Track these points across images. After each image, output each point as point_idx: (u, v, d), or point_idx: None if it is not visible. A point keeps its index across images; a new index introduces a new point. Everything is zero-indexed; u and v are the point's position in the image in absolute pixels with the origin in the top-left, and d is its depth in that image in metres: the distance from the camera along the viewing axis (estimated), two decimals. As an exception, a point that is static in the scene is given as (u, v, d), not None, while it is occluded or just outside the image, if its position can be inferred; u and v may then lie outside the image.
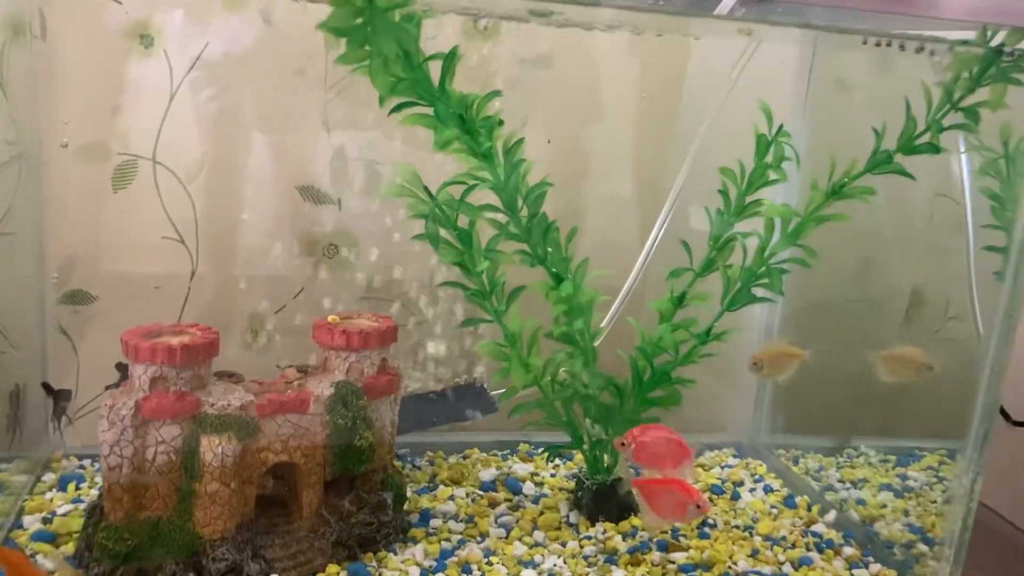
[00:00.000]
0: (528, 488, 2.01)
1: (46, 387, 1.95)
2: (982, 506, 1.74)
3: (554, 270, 1.76)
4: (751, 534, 1.88)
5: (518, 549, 1.75)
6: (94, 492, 1.83)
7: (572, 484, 1.99)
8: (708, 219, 1.85)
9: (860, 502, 2.04)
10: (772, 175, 1.80)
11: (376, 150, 2.03)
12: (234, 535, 1.53)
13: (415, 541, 1.75)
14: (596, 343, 1.85)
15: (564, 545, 1.78)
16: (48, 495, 1.82)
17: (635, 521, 1.87)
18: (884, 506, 2.02)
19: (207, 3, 1.91)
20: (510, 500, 1.95)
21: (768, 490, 2.12)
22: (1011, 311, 1.63)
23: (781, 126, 1.78)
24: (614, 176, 2.26)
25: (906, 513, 2.00)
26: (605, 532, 1.84)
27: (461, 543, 1.76)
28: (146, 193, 1.96)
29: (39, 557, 1.58)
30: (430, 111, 1.56)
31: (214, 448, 1.50)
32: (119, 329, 1.54)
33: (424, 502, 1.90)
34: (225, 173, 2.00)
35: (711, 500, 2.01)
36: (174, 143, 1.95)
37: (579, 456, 2.13)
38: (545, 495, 1.98)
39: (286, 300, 2.07)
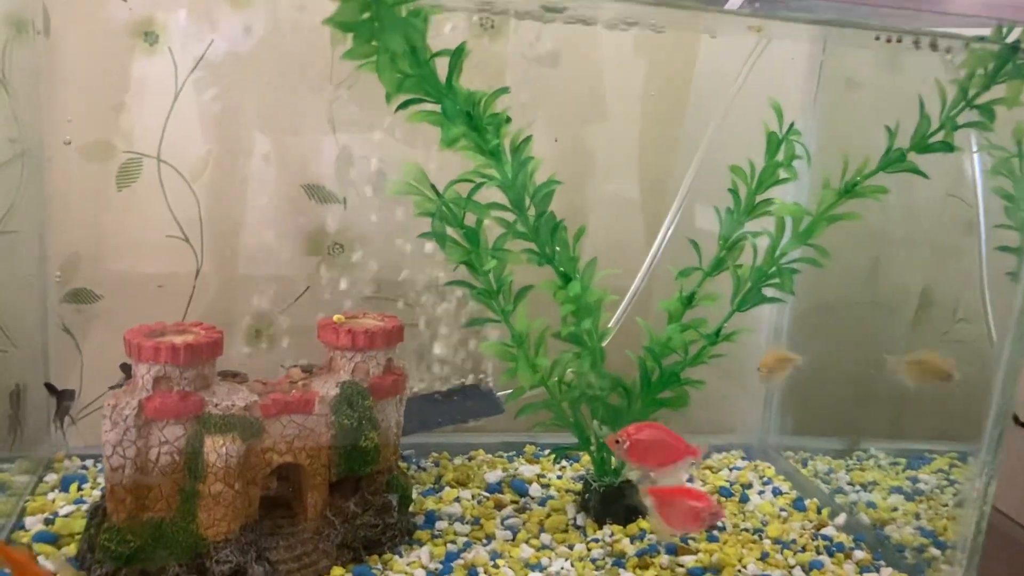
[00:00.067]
0: (534, 490, 1.99)
1: (49, 387, 1.93)
2: (992, 509, 1.71)
3: (562, 269, 1.74)
4: (760, 537, 1.86)
5: (525, 552, 1.73)
6: (96, 493, 1.81)
7: (579, 486, 1.97)
8: (718, 218, 1.83)
9: (870, 505, 2.02)
10: (783, 174, 1.78)
11: (382, 148, 2.01)
12: (238, 537, 1.52)
13: (420, 543, 1.73)
14: (604, 343, 1.83)
15: (571, 548, 1.76)
16: (50, 496, 1.81)
17: (643, 524, 1.85)
18: (895, 509, 2.00)
19: (212, 0, 1.90)
20: (516, 502, 1.93)
21: (777, 492, 2.10)
22: (1026, 312, 1.61)
23: (792, 124, 1.76)
24: (621, 175, 2.24)
25: (917, 516, 1.98)
26: (613, 535, 1.82)
27: (467, 545, 1.74)
28: (150, 191, 1.94)
29: (40, 559, 1.56)
30: (437, 108, 1.54)
31: (218, 449, 1.48)
32: (123, 328, 1.53)
33: (429, 504, 1.88)
34: (230, 171, 1.98)
35: (719, 502, 1.99)
36: (178, 141, 1.93)
37: (586, 458, 2.11)
38: (552, 497, 1.96)
39: (291, 299, 2.05)
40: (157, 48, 1.89)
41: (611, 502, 1.86)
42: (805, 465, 2.25)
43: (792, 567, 1.76)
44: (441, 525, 1.80)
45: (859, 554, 1.83)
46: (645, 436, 1.62)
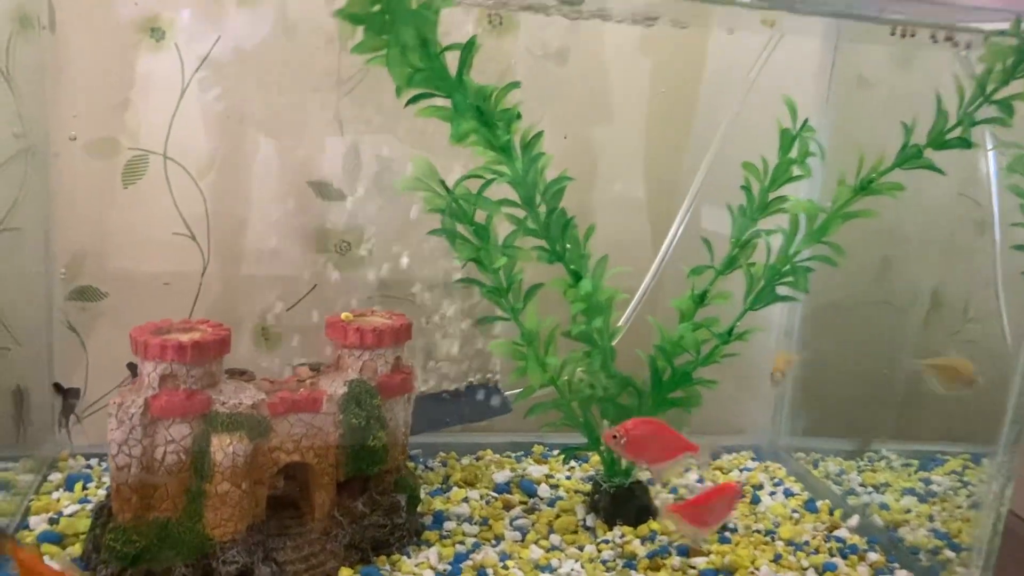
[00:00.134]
0: (543, 490, 1.97)
1: (57, 387, 1.92)
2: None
3: (572, 267, 1.72)
4: (773, 539, 1.84)
5: (534, 553, 1.71)
6: (101, 492, 1.79)
7: (588, 487, 1.95)
8: (730, 216, 1.80)
9: (883, 507, 2.00)
10: (796, 171, 1.76)
11: (390, 145, 1.99)
12: (245, 537, 1.50)
13: (429, 544, 1.71)
14: (614, 342, 1.81)
15: (581, 549, 1.74)
16: (54, 495, 1.79)
17: (654, 525, 1.83)
18: (908, 511, 1.98)
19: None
20: (525, 502, 1.91)
21: (788, 494, 2.07)
22: (1043, 311, 1.59)
23: (806, 121, 1.74)
24: (630, 173, 2.21)
25: (931, 518, 1.96)
26: (623, 536, 1.79)
27: (476, 546, 1.72)
28: (156, 188, 1.93)
29: (45, 559, 1.54)
30: (447, 103, 1.52)
31: (225, 448, 1.46)
32: (128, 326, 1.51)
33: (437, 504, 1.86)
34: (237, 168, 1.97)
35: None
36: (185, 138, 1.92)
37: (595, 458, 2.09)
38: (561, 498, 1.94)
39: (298, 297, 2.03)
40: (163, 44, 1.87)
41: (622, 503, 1.84)
42: (816, 466, 2.22)
43: (805, 569, 1.74)
44: (449, 526, 1.78)
45: (873, 556, 1.81)
46: (642, 431, 1.62)
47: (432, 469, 2.04)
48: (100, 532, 1.49)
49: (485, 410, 2.07)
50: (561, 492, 1.97)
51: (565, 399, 1.82)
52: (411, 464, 1.98)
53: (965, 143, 1.63)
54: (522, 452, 2.18)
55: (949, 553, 1.81)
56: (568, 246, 1.71)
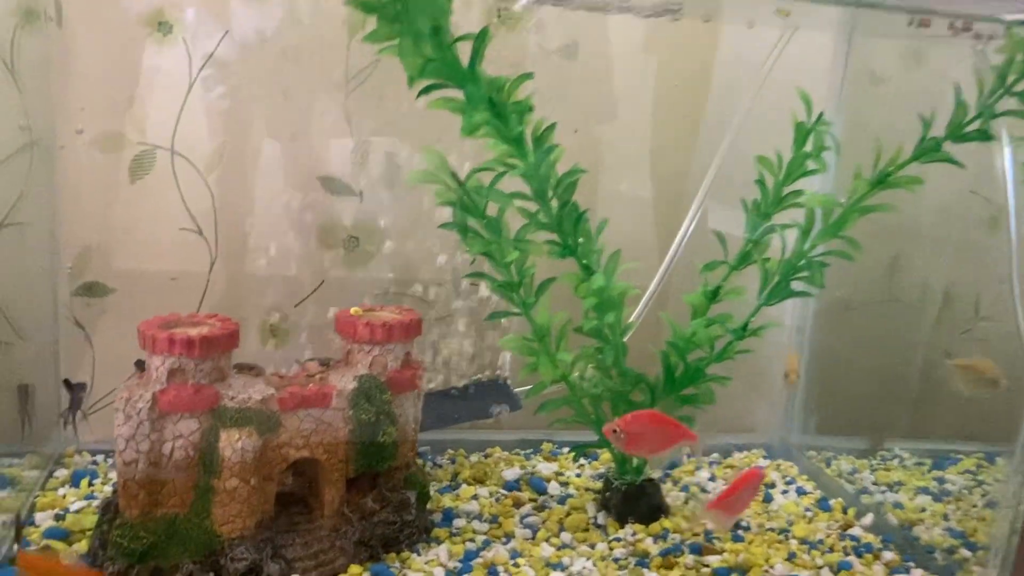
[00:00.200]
0: (553, 488, 1.95)
1: (67, 383, 1.90)
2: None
3: (584, 262, 1.70)
4: (787, 537, 1.81)
5: (545, 550, 1.69)
6: (108, 488, 1.78)
7: (599, 484, 1.93)
8: (744, 210, 1.78)
9: (897, 505, 1.97)
10: (811, 165, 1.73)
11: (399, 140, 1.98)
12: (253, 534, 1.48)
13: (438, 541, 1.69)
14: (626, 338, 1.79)
15: (593, 547, 1.72)
16: (60, 491, 1.77)
17: (666, 523, 1.80)
18: (923, 510, 1.96)
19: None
20: (535, 500, 1.89)
21: (801, 492, 2.05)
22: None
23: (821, 114, 1.72)
24: (641, 168, 2.19)
25: (945, 517, 1.94)
26: (635, 534, 1.77)
27: (486, 544, 1.70)
28: (164, 183, 1.91)
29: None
30: (458, 94, 1.50)
31: (233, 443, 1.44)
32: (135, 322, 1.50)
33: (447, 501, 1.84)
34: (245, 163, 1.95)
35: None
36: (193, 132, 1.90)
37: (605, 455, 2.07)
38: (571, 495, 1.92)
39: (306, 292, 2.01)
40: (171, 38, 1.86)
41: (633, 500, 1.82)
42: (828, 465, 2.20)
43: (820, 567, 1.71)
44: (459, 523, 1.76)
45: (888, 555, 1.78)
46: (640, 424, 1.61)
47: (441, 466, 2.02)
48: (107, 528, 1.47)
49: (495, 406, 2.05)
50: (571, 490, 1.95)
51: (576, 396, 1.80)
52: (420, 461, 1.96)
53: (985, 135, 1.61)
54: (531, 449, 2.16)
55: (965, 552, 1.79)
56: (580, 240, 1.68)
